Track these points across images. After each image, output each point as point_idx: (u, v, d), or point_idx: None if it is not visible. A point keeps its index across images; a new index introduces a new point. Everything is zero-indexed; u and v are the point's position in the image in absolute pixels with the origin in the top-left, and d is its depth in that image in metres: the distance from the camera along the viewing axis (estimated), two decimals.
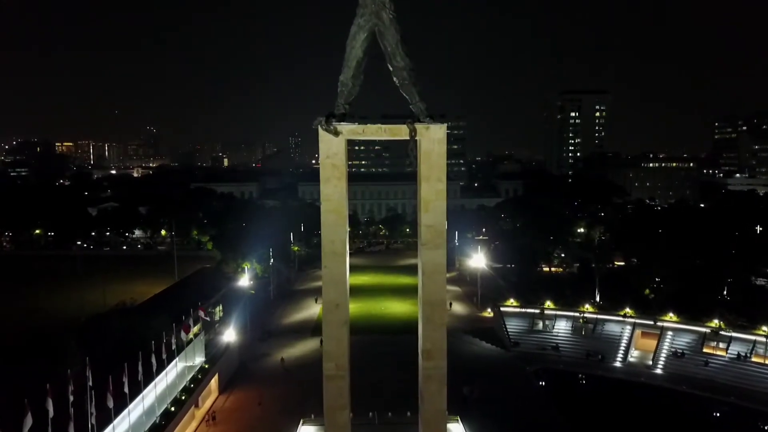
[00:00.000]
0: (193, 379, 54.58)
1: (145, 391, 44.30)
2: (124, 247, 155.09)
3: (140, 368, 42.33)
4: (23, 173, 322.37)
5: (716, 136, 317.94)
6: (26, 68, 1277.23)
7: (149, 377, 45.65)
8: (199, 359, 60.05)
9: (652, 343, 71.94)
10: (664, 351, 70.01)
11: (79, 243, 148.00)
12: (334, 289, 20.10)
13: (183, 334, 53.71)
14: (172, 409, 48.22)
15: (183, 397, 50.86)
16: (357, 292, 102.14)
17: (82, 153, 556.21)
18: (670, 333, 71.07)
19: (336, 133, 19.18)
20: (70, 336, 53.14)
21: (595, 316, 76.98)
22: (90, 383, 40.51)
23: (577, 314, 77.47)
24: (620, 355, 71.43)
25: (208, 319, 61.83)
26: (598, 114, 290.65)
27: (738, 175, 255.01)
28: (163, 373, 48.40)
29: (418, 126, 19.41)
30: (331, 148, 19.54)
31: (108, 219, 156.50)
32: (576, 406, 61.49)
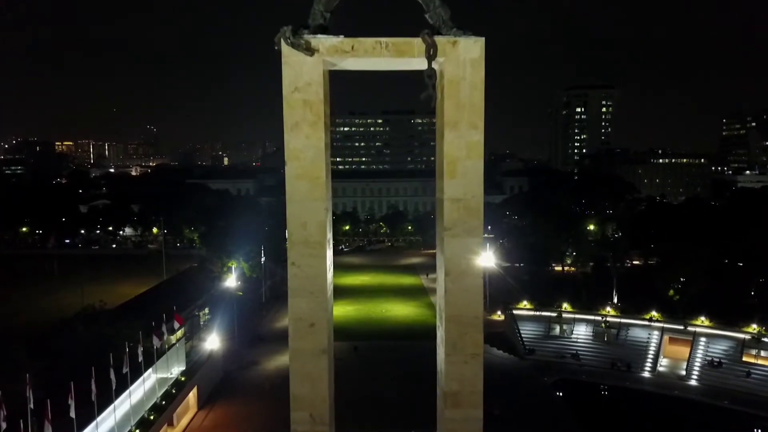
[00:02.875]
0: (166, 395, 47.56)
1: (100, 417, 37.24)
2: (113, 246, 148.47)
3: (93, 386, 35.29)
4: (18, 171, 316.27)
5: (724, 133, 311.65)
6: (26, 67, 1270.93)
7: (109, 396, 38.69)
8: (178, 369, 53.22)
9: (682, 350, 64.85)
10: (698, 359, 62.92)
11: (66, 241, 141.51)
12: (307, 299, 12.66)
13: (156, 341, 46.85)
14: (137, 431, 41.27)
15: (152, 417, 43.87)
16: (356, 293, 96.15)
17: (82, 152, 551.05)
18: (703, 339, 63.94)
19: (309, 51, 11.79)
20: (20, 347, 46.21)
21: (617, 320, 69.85)
22: (31, 405, 33.70)
23: (597, 318, 70.35)
24: (649, 364, 64.32)
25: (178, 327, 54.85)
26: (604, 109, 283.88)
27: (748, 172, 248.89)
28: (127, 392, 41.38)
29: (440, 40, 11.98)
30: (302, 76, 12.12)
31: (98, 217, 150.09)
32: (601, 424, 54.52)
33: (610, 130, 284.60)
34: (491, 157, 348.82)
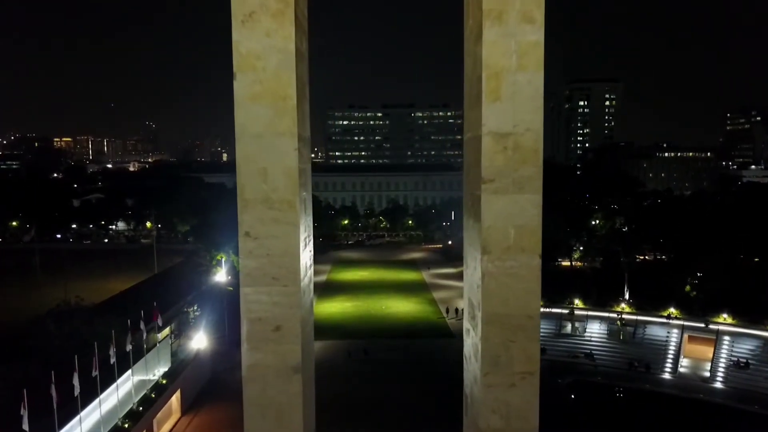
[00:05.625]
0: (144, 400, 43.32)
1: (65, 428, 32.93)
2: (105, 240, 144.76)
3: (53, 393, 31.06)
4: (14, 166, 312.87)
5: (728, 127, 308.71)
6: (24, 64, 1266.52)
7: (75, 404, 34.46)
8: (162, 370, 49.16)
9: (703, 350, 60.72)
10: (722, 360, 58.74)
11: (58, 236, 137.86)
12: (268, 290, 7.69)
13: (131, 341, 42.76)
14: None
15: (127, 425, 39.61)
16: (354, 289, 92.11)
17: (81, 148, 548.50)
18: (727, 338, 59.77)
19: None
20: None
21: (633, 317, 65.63)
22: None
23: (612, 315, 66.16)
24: (669, 365, 60.15)
25: (160, 324, 50.74)
26: (607, 103, 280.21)
27: (753, 166, 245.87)
28: (97, 400, 37.12)
29: None
30: None
31: (91, 211, 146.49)
32: (620, 429, 50.38)
33: (613, 124, 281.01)
34: None
